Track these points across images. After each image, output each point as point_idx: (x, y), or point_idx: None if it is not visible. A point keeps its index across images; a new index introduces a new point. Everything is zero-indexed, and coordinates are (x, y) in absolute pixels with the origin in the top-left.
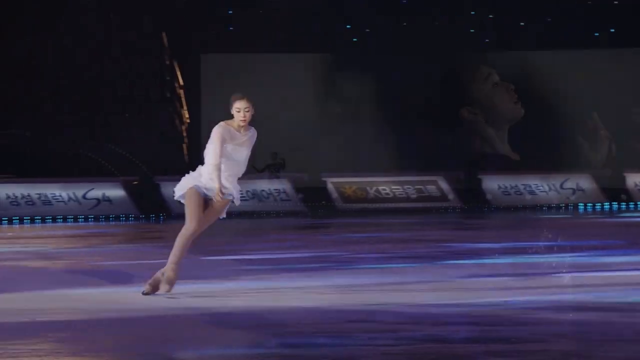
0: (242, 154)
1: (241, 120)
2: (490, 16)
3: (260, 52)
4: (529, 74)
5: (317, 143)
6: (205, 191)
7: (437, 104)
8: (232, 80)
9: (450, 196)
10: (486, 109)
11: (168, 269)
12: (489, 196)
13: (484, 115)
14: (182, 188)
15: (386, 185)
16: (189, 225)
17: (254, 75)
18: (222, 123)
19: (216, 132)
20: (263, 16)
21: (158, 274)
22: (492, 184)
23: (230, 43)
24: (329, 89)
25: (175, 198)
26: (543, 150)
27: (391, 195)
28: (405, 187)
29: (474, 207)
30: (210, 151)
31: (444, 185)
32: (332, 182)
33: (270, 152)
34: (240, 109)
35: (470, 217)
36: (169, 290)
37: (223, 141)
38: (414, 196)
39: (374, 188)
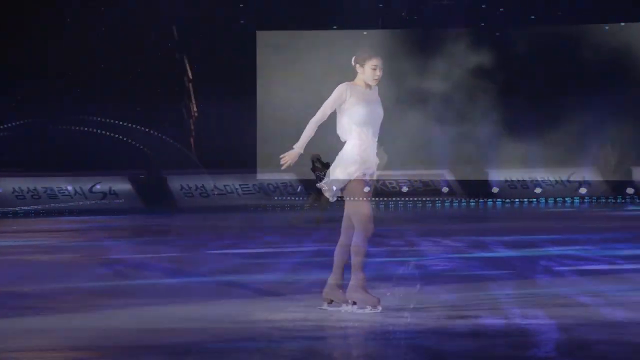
0: (379, 113)
1: (375, 79)
2: None
3: (319, 29)
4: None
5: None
6: (369, 173)
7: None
8: (291, 60)
9: (457, 190)
10: None
11: (359, 280)
12: (494, 189)
13: None
14: (338, 181)
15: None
16: (366, 229)
17: (313, 54)
18: (346, 82)
19: (337, 89)
20: None
21: (336, 289)
22: (498, 177)
23: (288, 19)
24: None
25: (329, 196)
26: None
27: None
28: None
29: (479, 200)
30: (321, 107)
31: (450, 179)
32: None
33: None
34: (376, 66)
35: (475, 210)
36: (378, 303)
37: (339, 100)
38: (421, 189)
39: (381, 182)
